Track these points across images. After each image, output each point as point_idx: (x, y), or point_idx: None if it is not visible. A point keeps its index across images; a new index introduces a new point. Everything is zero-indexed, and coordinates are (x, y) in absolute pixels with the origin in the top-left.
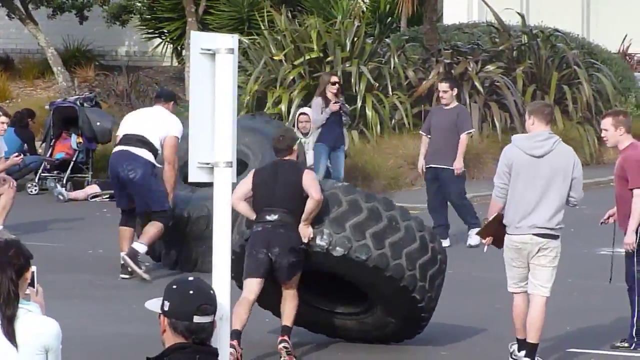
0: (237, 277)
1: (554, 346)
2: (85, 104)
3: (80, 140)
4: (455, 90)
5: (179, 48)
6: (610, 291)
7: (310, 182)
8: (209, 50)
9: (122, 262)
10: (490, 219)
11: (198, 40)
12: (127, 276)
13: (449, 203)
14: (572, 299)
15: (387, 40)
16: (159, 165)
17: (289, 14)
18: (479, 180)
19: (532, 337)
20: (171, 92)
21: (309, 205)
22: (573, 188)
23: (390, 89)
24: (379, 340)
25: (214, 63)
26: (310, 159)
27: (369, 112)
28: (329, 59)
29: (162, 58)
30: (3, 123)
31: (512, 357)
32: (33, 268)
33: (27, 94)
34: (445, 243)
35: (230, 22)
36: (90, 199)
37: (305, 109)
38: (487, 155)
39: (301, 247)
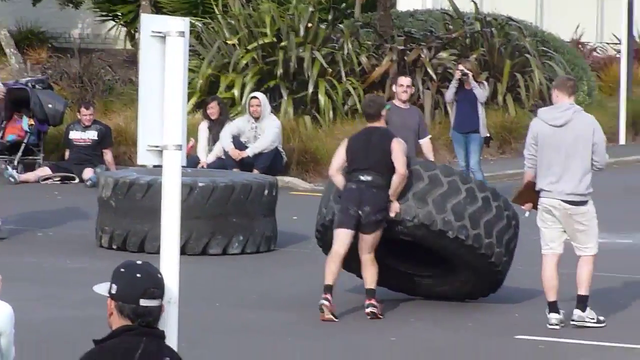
0: (324, 247)
1: (503, 334)
2: (37, 86)
3: (32, 122)
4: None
5: (132, 31)
6: (562, 279)
7: (397, 154)
8: (159, 33)
9: None
10: (522, 187)
11: (149, 22)
12: None
13: None
14: (522, 287)
15: (340, 26)
16: None
17: None
18: None
19: (583, 290)
20: None
21: (395, 180)
22: (595, 153)
23: (343, 74)
24: (457, 298)
25: (164, 46)
26: (262, 143)
27: (322, 98)
28: (283, 44)
29: (115, 41)
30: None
31: (548, 324)
32: None
33: None
34: None
35: (184, 5)
36: (42, 181)
37: (256, 93)
38: (440, 141)
39: (386, 206)
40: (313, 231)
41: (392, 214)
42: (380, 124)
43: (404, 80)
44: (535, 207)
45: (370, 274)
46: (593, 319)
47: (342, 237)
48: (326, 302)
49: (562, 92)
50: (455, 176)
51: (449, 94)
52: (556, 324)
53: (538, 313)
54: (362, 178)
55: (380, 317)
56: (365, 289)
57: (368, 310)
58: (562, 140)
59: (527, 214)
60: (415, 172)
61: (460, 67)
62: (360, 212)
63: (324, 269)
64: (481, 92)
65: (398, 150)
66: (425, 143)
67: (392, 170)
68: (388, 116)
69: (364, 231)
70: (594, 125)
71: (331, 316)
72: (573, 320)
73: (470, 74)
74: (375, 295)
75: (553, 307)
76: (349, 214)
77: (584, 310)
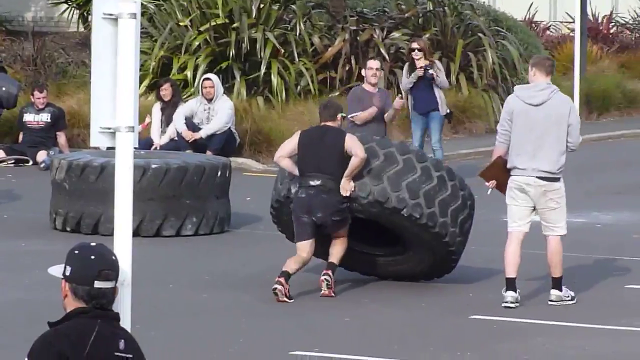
0: (278, 224)
1: (457, 314)
2: None
3: None
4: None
5: (85, 14)
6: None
7: (353, 143)
8: (111, 15)
9: None
10: (492, 161)
11: (101, 5)
12: None
13: None
14: (475, 267)
15: (292, 6)
16: None
17: None
18: None
19: (556, 272)
20: None
21: (354, 161)
22: (570, 134)
23: (296, 55)
24: (411, 279)
25: (116, 28)
26: (215, 125)
27: (274, 79)
28: (235, 25)
29: (68, 24)
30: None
31: (503, 302)
32: None
33: None
34: None
35: None
36: None
37: (209, 75)
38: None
39: (343, 207)
40: (266, 212)
41: (345, 193)
42: (334, 124)
43: (373, 64)
44: (499, 185)
45: (337, 250)
46: (568, 296)
47: (304, 247)
48: (279, 287)
49: (539, 71)
50: (411, 154)
51: (406, 84)
52: (511, 302)
53: (492, 293)
54: (311, 183)
55: (333, 295)
56: (327, 262)
57: (323, 277)
58: (537, 119)
59: (489, 191)
60: (370, 150)
61: (415, 48)
62: (313, 218)
63: (285, 259)
64: (445, 81)
65: (353, 140)
66: (388, 113)
67: (344, 172)
68: (360, 101)
69: (329, 231)
70: (570, 106)
71: (285, 299)
72: (551, 301)
73: (435, 75)
74: (333, 270)
75: (511, 284)
76: (303, 223)
77: (561, 290)
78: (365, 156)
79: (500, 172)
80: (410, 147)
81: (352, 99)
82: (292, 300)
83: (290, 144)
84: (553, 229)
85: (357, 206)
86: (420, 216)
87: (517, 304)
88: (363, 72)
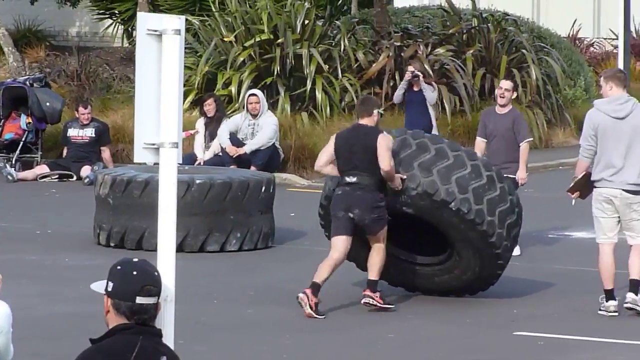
0: (325, 226)
1: (501, 330)
2: (35, 84)
3: (30, 120)
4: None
5: (129, 29)
6: (557, 274)
7: (382, 150)
8: (155, 31)
9: None
10: (580, 177)
11: (145, 20)
12: None
13: None
14: (519, 282)
15: (337, 22)
16: None
17: None
18: None
19: (636, 275)
20: None
21: (384, 177)
22: None
23: (340, 71)
24: (456, 292)
25: (160, 44)
26: (259, 140)
27: (319, 94)
28: (280, 40)
29: (113, 39)
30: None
31: (600, 309)
32: None
33: None
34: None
35: (181, 3)
36: (40, 179)
37: (254, 90)
38: None
39: (381, 204)
40: (310, 227)
41: (396, 188)
42: (368, 121)
43: (503, 84)
44: (581, 196)
45: (374, 262)
46: None
47: (337, 244)
48: (301, 295)
49: (616, 85)
50: (461, 152)
51: (398, 95)
52: (614, 311)
53: (536, 308)
54: (347, 180)
55: (378, 305)
56: (367, 279)
57: (363, 300)
58: (623, 131)
59: (573, 202)
60: (422, 144)
61: (411, 68)
62: (350, 215)
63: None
64: (431, 95)
65: (382, 146)
66: (520, 149)
67: (379, 167)
68: (484, 124)
69: (367, 232)
70: None
71: (311, 311)
72: (627, 303)
73: (421, 75)
74: (372, 287)
75: (611, 294)
76: (339, 218)
77: (637, 294)
78: (391, 168)
79: (584, 185)
80: (461, 146)
81: (480, 121)
82: (323, 317)
83: (328, 150)
84: (638, 238)
85: (405, 198)
86: (468, 211)
87: (617, 313)
88: (496, 91)
